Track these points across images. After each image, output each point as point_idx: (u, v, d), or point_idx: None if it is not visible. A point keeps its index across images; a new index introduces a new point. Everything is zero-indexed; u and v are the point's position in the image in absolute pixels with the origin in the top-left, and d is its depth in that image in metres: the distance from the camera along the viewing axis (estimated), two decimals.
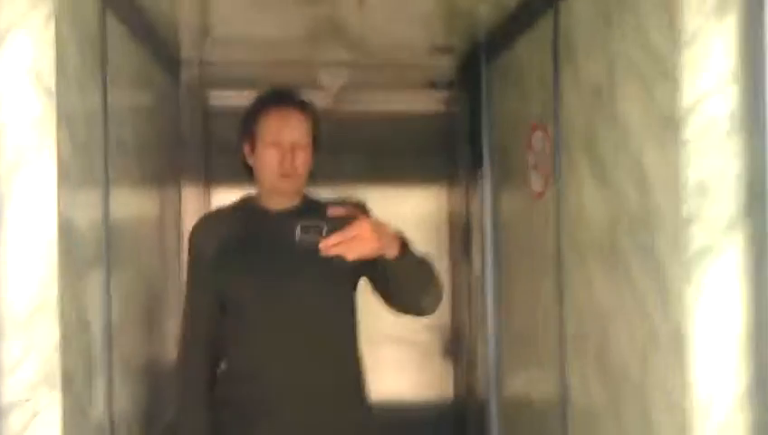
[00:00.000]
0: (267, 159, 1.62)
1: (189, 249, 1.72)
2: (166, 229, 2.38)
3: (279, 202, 1.68)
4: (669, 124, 1.18)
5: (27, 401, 1.16)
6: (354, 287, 1.71)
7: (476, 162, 2.39)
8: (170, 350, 2.39)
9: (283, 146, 1.61)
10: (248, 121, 1.68)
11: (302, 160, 1.63)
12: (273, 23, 2.12)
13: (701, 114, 1.13)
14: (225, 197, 2.74)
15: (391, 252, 1.38)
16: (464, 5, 1.97)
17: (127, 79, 1.84)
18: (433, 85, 2.68)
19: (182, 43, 2.37)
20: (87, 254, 1.42)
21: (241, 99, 2.65)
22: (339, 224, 1.33)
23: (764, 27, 1.09)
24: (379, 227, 1.36)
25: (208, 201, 2.72)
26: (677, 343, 1.16)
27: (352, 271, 1.58)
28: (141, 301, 1.96)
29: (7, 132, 1.19)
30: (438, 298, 1.56)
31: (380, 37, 2.29)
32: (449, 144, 2.80)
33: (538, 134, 1.86)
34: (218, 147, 2.73)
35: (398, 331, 2.83)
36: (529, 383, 2.02)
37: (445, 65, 2.62)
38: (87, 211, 1.43)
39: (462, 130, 2.59)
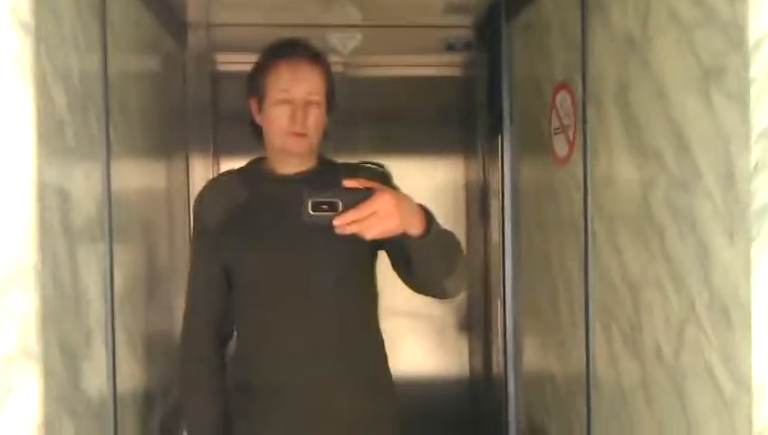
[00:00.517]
0: (276, 116, 1.47)
1: (193, 219, 1.60)
2: (173, 201, 2.30)
3: (290, 165, 1.52)
4: (718, 73, 1.06)
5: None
6: (372, 264, 1.56)
7: (495, 128, 2.27)
8: (178, 325, 2.33)
9: (293, 101, 1.46)
10: (255, 76, 1.53)
11: (315, 118, 1.47)
12: None
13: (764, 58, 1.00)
14: (236, 166, 2.69)
15: (414, 229, 1.20)
16: None
17: (129, 41, 1.75)
18: (449, 47, 2.55)
19: (189, 4, 2.26)
20: (79, 222, 1.34)
21: (249, 63, 2.58)
22: (355, 197, 1.13)
23: None
24: (401, 202, 1.17)
25: (217, 170, 2.64)
26: (727, 314, 1.06)
27: (370, 247, 1.44)
28: (146, 274, 1.88)
29: None
30: (463, 280, 1.40)
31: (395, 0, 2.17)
32: (466, 110, 2.69)
33: (563, 95, 1.74)
34: (227, 115, 2.63)
35: (413, 304, 2.72)
36: (550, 357, 1.93)
37: (461, 25, 2.49)
38: (81, 177, 1.34)
39: (480, 95, 2.47)
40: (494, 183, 2.36)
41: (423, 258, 1.27)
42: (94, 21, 1.42)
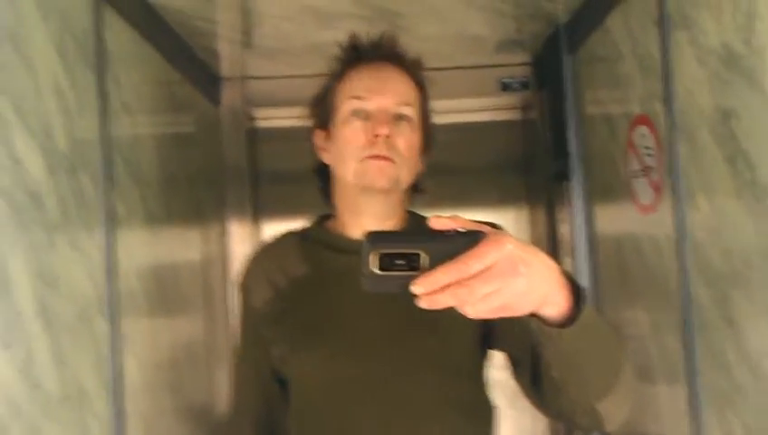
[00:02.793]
0: (350, 135, 1.04)
1: (239, 294, 1.19)
2: (210, 269, 2.11)
3: (366, 223, 1.07)
4: None
5: None
6: (482, 367, 1.09)
7: (562, 175, 1.99)
8: (223, 399, 2.11)
9: (373, 113, 1.03)
10: (318, 97, 1.13)
11: (407, 139, 1.04)
12: (320, 26, 1.82)
13: None
14: (277, 231, 2.49)
15: (554, 307, 0.71)
16: None
17: (149, 99, 1.58)
18: (504, 87, 2.29)
19: (221, 57, 2.10)
20: (76, 298, 1.13)
21: (290, 118, 2.40)
22: (450, 246, 0.65)
23: None
24: (531, 255, 0.67)
25: (258, 238, 2.44)
26: None
27: (480, 341, 1.02)
28: (173, 349, 1.67)
29: None
30: (627, 401, 0.85)
31: (439, 34, 1.95)
32: (527, 154, 2.41)
33: (642, 130, 1.46)
34: (267, 174, 2.45)
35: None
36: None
37: (516, 63, 2.24)
38: (76, 258, 1.14)
39: (541, 137, 2.20)
40: (566, 236, 2.06)
41: (565, 361, 0.77)
42: (90, 74, 1.25)
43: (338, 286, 1.05)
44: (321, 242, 1.13)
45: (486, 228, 0.67)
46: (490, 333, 1.02)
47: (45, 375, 1.03)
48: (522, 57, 2.20)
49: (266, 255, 1.17)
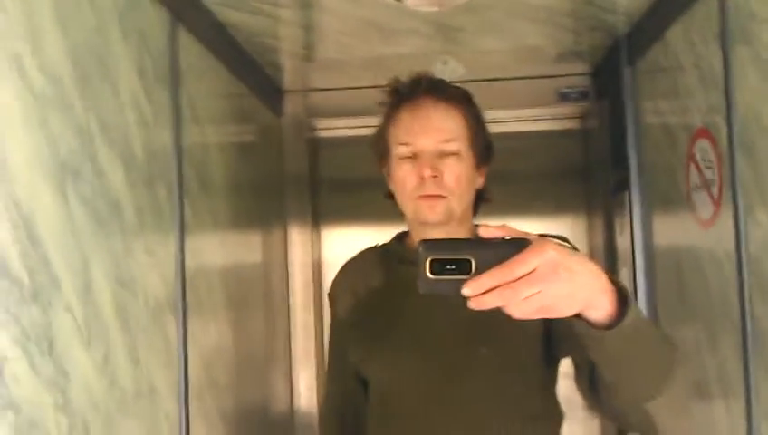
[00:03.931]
0: (401, 177, 1.14)
1: (329, 304, 1.36)
2: (271, 273, 2.19)
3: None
4: None
5: None
6: (551, 373, 1.15)
7: (621, 185, 1.98)
8: (280, 401, 2.18)
9: (420, 155, 1.13)
10: (378, 133, 1.23)
11: (454, 173, 1.12)
12: (380, 40, 1.87)
13: None
14: (336, 239, 2.57)
15: (599, 310, 0.75)
16: None
17: (216, 111, 1.66)
18: (563, 97, 2.29)
19: (284, 70, 2.18)
20: (149, 301, 1.21)
21: (349, 128, 2.47)
22: (498, 253, 0.72)
23: None
24: (574, 261, 0.72)
25: (318, 244, 2.50)
26: None
27: (544, 336, 1.08)
28: (235, 351, 1.74)
29: None
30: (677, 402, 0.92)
31: (498, 46, 1.97)
32: (586, 165, 2.40)
33: (703, 143, 1.45)
34: (327, 183, 2.51)
35: None
36: None
37: (576, 73, 2.24)
38: (150, 262, 1.22)
39: (600, 148, 2.19)
40: (625, 247, 2.04)
41: (614, 363, 0.81)
42: (165, 89, 1.33)
43: (407, 296, 1.14)
44: (396, 256, 1.25)
45: (533, 235, 0.74)
46: (551, 339, 1.06)
47: (121, 373, 1.11)
48: (581, 67, 2.20)
49: (351, 268, 1.33)
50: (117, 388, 1.09)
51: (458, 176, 1.13)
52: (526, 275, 0.69)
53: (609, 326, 0.76)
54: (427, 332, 1.14)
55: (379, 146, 1.23)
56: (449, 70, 2.13)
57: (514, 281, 0.69)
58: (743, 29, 1.23)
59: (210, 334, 1.55)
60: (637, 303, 0.81)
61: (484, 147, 1.20)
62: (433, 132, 1.13)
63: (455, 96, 1.17)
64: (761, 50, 1.17)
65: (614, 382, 0.84)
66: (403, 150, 1.15)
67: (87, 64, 1.03)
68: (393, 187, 1.21)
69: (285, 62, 2.09)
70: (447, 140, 1.13)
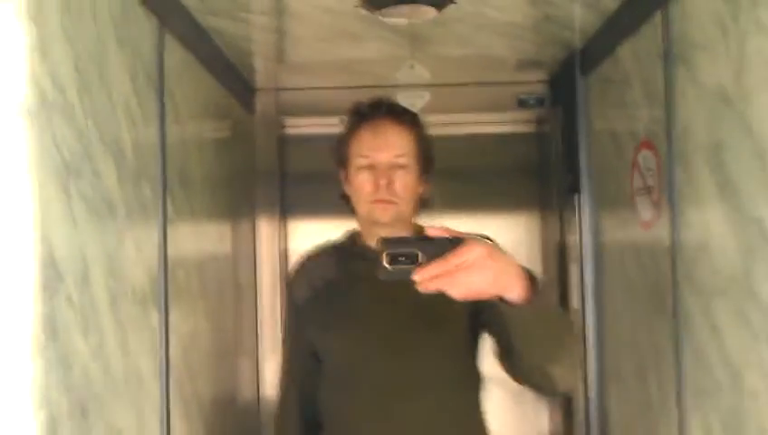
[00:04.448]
0: (359, 184, 1.37)
1: (286, 297, 1.57)
2: (240, 264, 2.27)
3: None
4: None
5: None
6: (473, 347, 1.40)
7: (572, 187, 2.13)
8: (244, 388, 2.27)
9: (376, 166, 1.35)
10: (339, 144, 1.44)
11: (403, 183, 1.35)
12: (349, 43, 1.97)
13: None
14: (302, 230, 2.66)
15: (513, 293, 0.97)
16: (555, 12, 1.74)
17: (194, 109, 1.74)
18: (521, 103, 2.44)
19: (256, 70, 2.26)
20: (130, 295, 1.29)
21: (317, 126, 2.57)
22: (440, 248, 0.94)
23: None
24: (497, 256, 0.95)
25: (284, 234, 2.60)
26: None
27: (469, 317, 1.32)
28: (208, 339, 1.83)
29: None
30: (575, 371, 1.16)
31: (463, 54, 2.09)
32: (541, 167, 2.56)
33: (646, 153, 1.60)
34: (295, 177, 2.61)
35: (492, 370, 2.59)
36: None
37: (534, 81, 2.38)
38: (132, 248, 1.30)
39: (555, 152, 2.34)
40: (574, 245, 2.20)
41: (523, 333, 1.04)
42: (150, 92, 1.41)
43: (358, 285, 1.40)
44: (348, 252, 1.48)
45: (469, 234, 0.97)
46: (477, 317, 1.31)
47: (113, 359, 1.19)
48: (539, 76, 2.34)
49: (307, 262, 1.55)
50: (109, 374, 1.17)
51: (406, 185, 1.36)
52: (461, 265, 0.92)
53: (521, 306, 0.98)
54: (375, 315, 1.37)
55: (340, 154, 1.44)
56: (415, 75, 2.25)
57: (453, 270, 0.91)
58: (683, 53, 1.37)
59: (188, 323, 1.64)
60: (546, 294, 1.04)
61: (427, 161, 1.42)
62: (388, 148, 1.36)
63: (408, 119, 1.40)
64: (697, 73, 1.32)
65: (522, 350, 1.06)
66: (362, 161, 1.37)
67: (88, 72, 1.10)
68: (350, 190, 1.42)
69: (258, 64, 2.18)
70: (399, 156, 1.36)
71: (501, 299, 0.98)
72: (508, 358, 1.13)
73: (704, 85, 1.29)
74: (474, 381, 1.42)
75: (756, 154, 1.10)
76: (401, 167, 1.36)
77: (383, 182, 1.34)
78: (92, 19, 1.12)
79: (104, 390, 1.15)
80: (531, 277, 1.01)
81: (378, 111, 1.39)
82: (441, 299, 0.95)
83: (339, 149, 1.44)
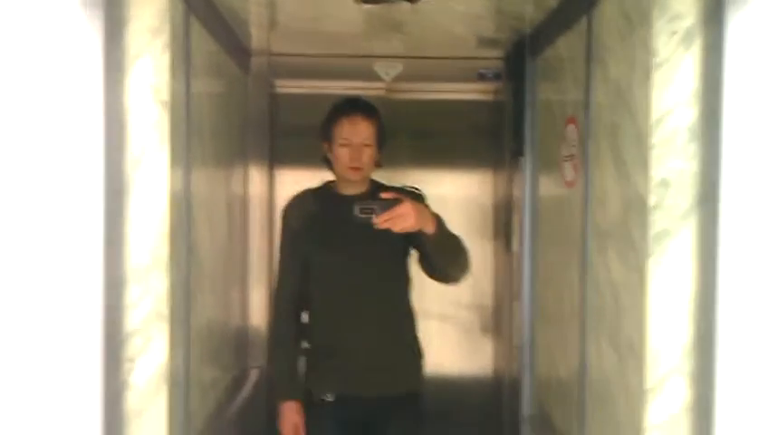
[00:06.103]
0: (340, 156, 2.05)
1: (282, 223, 2.17)
2: (233, 206, 2.63)
3: (350, 188, 2.10)
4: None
5: None
6: (405, 254, 2.13)
7: (518, 151, 2.55)
8: (236, 316, 2.66)
9: (352, 145, 2.03)
10: (326, 126, 2.08)
11: (368, 156, 2.05)
12: (335, 19, 2.33)
13: (666, 126, 1.44)
14: (288, 178, 3.05)
15: (428, 228, 1.84)
16: (507, 8, 2.13)
17: (204, 71, 2.08)
18: (480, 76, 2.85)
19: (252, 35, 2.61)
20: (178, 223, 1.69)
21: (304, 88, 2.94)
22: (388, 205, 1.80)
23: (722, 58, 1.32)
24: (418, 208, 1.82)
25: (272, 181, 2.98)
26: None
27: (403, 241, 2.01)
28: (213, 262, 2.22)
29: (132, 135, 1.57)
30: (464, 269, 2.01)
31: (432, 32, 2.47)
32: (496, 132, 2.97)
33: (571, 127, 2.01)
34: (282, 131, 2.98)
35: (443, 308, 3.04)
36: (556, 358, 2.20)
37: (492, 57, 2.78)
38: (179, 188, 1.69)
39: (507, 119, 2.75)
40: (517, 198, 2.63)
41: (434, 250, 1.91)
42: (179, 59, 1.75)
43: (336, 217, 2.05)
44: (327, 195, 2.14)
45: (404, 197, 1.84)
46: (408, 242, 2.05)
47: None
48: (497, 54, 2.74)
49: (298, 199, 2.18)
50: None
51: (369, 157, 2.07)
52: (399, 213, 1.80)
53: (433, 233, 1.84)
54: (348, 236, 2.00)
55: (325, 133, 2.09)
56: (392, 67, 2.67)
57: (395, 216, 1.80)
58: (598, 51, 1.77)
59: (200, 250, 2.02)
60: (446, 226, 1.92)
61: (382, 141, 2.10)
62: (359, 135, 2.05)
63: (373, 114, 2.08)
64: (605, 69, 1.72)
65: (433, 258, 1.95)
66: (342, 141, 2.05)
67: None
68: (331, 157, 2.09)
69: (254, 31, 2.53)
70: (366, 138, 2.05)
71: (420, 230, 1.82)
72: (425, 263, 2.02)
73: (609, 79, 1.70)
74: (406, 277, 2.15)
75: (635, 135, 1.52)
76: (367, 146, 2.05)
77: (356, 156, 2.03)
78: None
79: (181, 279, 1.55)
80: (437, 217, 1.88)
81: (354, 108, 2.06)
82: (388, 231, 1.82)
83: (325, 130, 2.08)
